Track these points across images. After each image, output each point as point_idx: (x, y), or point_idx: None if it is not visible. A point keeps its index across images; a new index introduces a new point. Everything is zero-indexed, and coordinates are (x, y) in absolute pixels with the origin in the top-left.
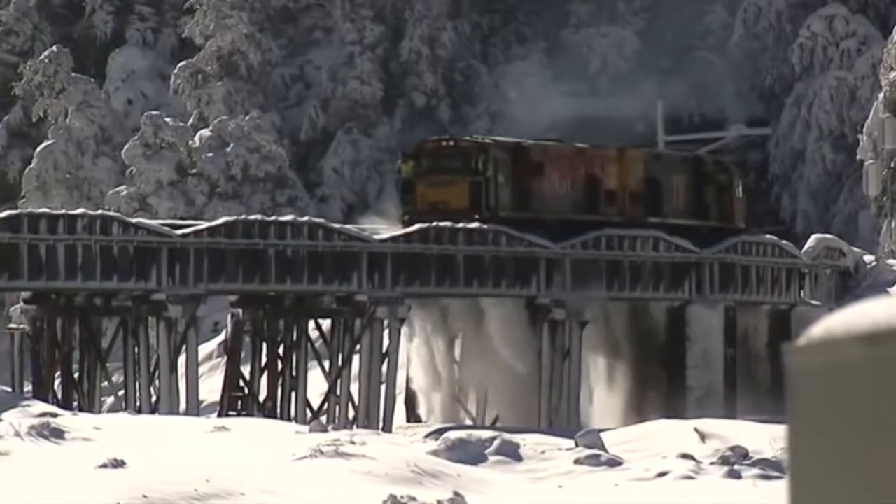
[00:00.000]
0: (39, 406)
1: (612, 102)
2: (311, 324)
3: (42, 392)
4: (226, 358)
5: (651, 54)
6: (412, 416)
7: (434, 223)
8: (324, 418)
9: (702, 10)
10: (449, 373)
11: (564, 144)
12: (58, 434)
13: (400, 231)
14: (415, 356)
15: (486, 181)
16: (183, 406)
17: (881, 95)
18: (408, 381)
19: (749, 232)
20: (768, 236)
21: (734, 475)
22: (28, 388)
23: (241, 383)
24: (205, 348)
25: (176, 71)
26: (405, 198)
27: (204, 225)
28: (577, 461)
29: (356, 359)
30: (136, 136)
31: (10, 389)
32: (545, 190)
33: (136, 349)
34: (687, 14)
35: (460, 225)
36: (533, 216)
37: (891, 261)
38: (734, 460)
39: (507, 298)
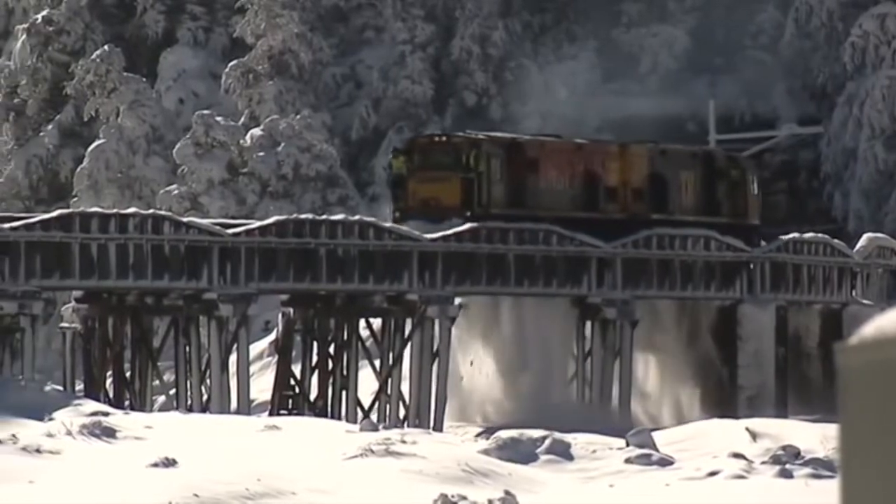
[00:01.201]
0: (91, 405)
1: (662, 102)
2: (362, 323)
3: (94, 391)
4: (277, 357)
5: (702, 53)
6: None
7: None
8: (374, 417)
9: (753, 9)
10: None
11: (563, 140)
12: (109, 433)
13: (452, 231)
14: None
15: (478, 177)
16: (234, 405)
17: None
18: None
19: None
20: (820, 235)
21: (786, 475)
22: (80, 387)
23: (292, 382)
24: (256, 347)
25: (227, 70)
26: (396, 194)
27: (255, 224)
28: (628, 460)
29: (407, 358)
30: (188, 136)
31: (61, 388)
32: (541, 187)
33: (188, 348)
34: (738, 13)
35: (513, 224)
36: (528, 213)
37: None
38: (786, 460)
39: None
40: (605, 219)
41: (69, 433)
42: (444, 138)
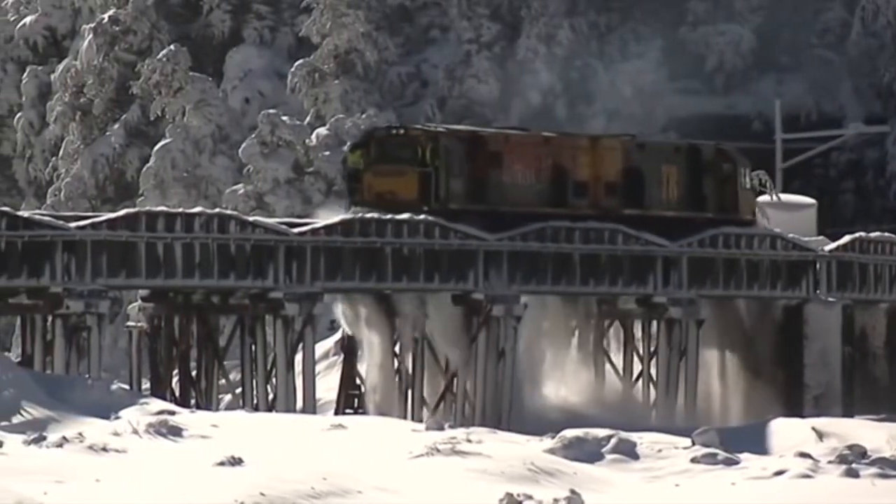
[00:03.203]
0: (157, 404)
1: (728, 101)
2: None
3: (160, 390)
4: (342, 356)
5: (768, 52)
6: None
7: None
8: (440, 416)
9: (819, 8)
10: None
11: (529, 133)
12: (175, 432)
13: (518, 230)
14: None
15: (435, 171)
16: (300, 404)
17: None
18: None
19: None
20: (886, 234)
21: (852, 474)
22: (146, 385)
23: (358, 381)
24: (322, 346)
25: (293, 69)
26: (352, 188)
27: (321, 223)
28: (693, 460)
29: (472, 357)
30: (254, 135)
31: (128, 387)
32: (504, 181)
33: (253, 347)
34: (804, 12)
35: (579, 224)
36: (489, 209)
37: None
38: (852, 459)
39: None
40: (573, 214)
41: (135, 432)
42: (401, 131)
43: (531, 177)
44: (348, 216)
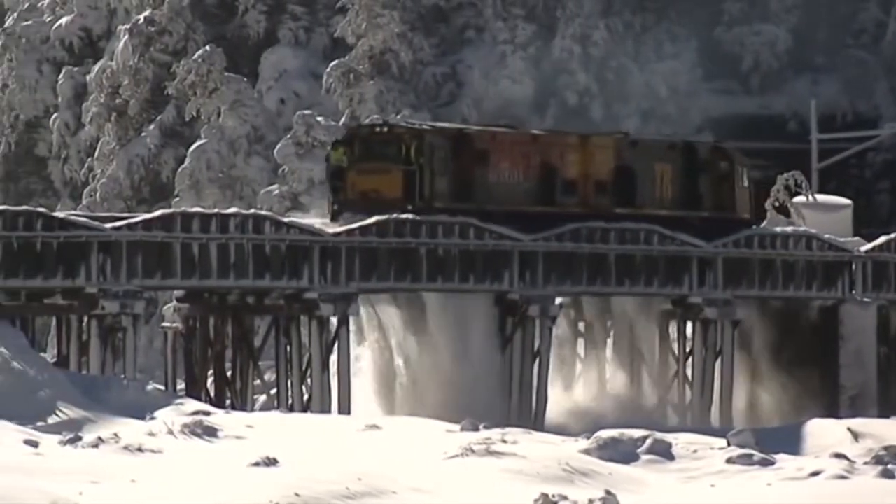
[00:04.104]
0: (192, 404)
1: (764, 101)
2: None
3: (195, 390)
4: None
5: (804, 52)
6: None
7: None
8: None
9: (855, 8)
10: None
11: (516, 131)
12: (210, 432)
13: (551, 231)
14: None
15: (420, 169)
16: (335, 404)
17: None
18: None
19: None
20: None
21: (888, 475)
22: (181, 386)
23: None
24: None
25: (328, 70)
26: (335, 186)
27: (356, 224)
28: (729, 460)
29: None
30: (289, 136)
31: (163, 388)
32: (490, 180)
33: (288, 348)
34: (840, 12)
35: (614, 224)
36: (475, 207)
37: None
38: (888, 460)
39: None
40: (561, 213)
41: (170, 432)
42: (385, 128)
43: (519, 175)
44: (383, 217)
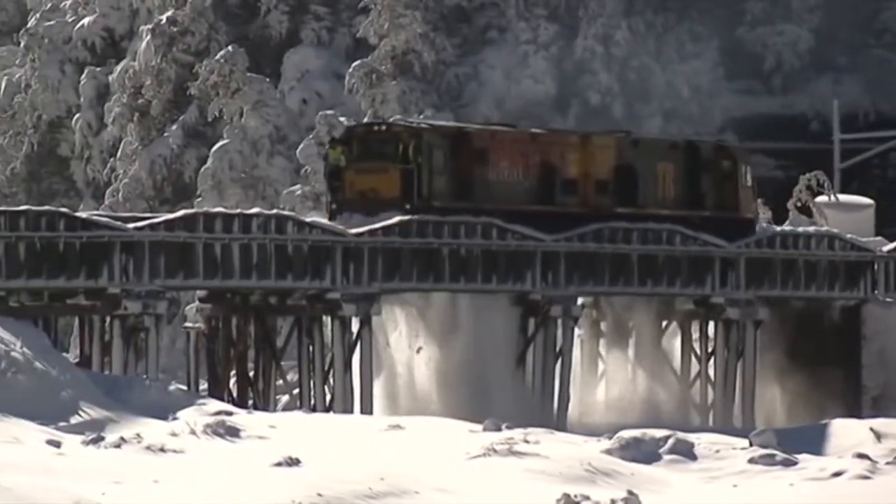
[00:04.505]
0: (215, 404)
1: (786, 101)
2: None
3: (217, 390)
4: None
5: (826, 52)
6: None
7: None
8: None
9: (878, 7)
10: None
11: (516, 130)
12: (233, 432)
13: (573, 231)
14: None
15: (418, 169)
16: (357, 405)
17: None
18: None
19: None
20: None
21: None
22: (203, 386)
23: None
24: None
25: (350, 70)
26: (333, 186)
27: (378, 224)
28: (751, 460)
29: (529, 358)
30: (311, 136)
31: (185, 388)
32: (489, 179)
33: (311, 348)
34: (862, 11)
35: (637, 225)
36: (474, 206)
37: None
38: None
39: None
40: (561, 213)
41: (193, 432)
42: (383, 127)
43: (518, 174)
44: (405, 217)
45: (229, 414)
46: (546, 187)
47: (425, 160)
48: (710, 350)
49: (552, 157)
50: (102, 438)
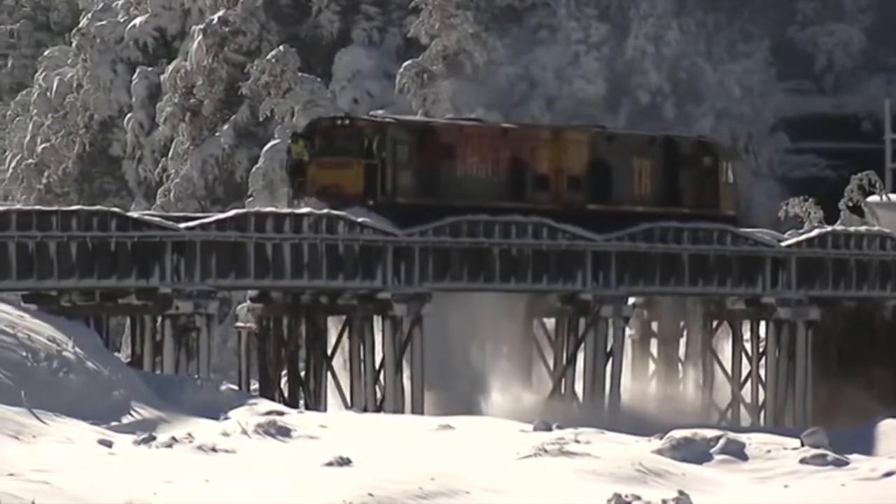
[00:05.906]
0: (266, 404)
1: (837, 101)
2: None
3: (268, 390)
4: None
5: (878, 52)
6: None
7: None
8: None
9: None
10: None
11: (485, 125)
12: (284, 432)
13: (624, 231)
14: None
15: (382, 164)
16: (408, 405)
17: None
18: None
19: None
20: None
21: None
22: (255, 386)
23: None
24: None
25: (401, 70)
26: (295, 180)
27: (429, 224)
28: (802, 461)
29: (580, 358)
30: None
31: (237, 388)
32: (457, 174)
33: (362, 347)
34: None
35: (687, 224)
36: (440, 203)
37: None
38: None
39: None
40: (532, 209)
41: (244, 432)
42: (346, 122)
43: (487, 170)
44: (456, 217)
45: (280, 414)
46: (516, 183)
47: (389, 155)
48: (761, 350)
49: (523, 152)
50: (154, 438)
